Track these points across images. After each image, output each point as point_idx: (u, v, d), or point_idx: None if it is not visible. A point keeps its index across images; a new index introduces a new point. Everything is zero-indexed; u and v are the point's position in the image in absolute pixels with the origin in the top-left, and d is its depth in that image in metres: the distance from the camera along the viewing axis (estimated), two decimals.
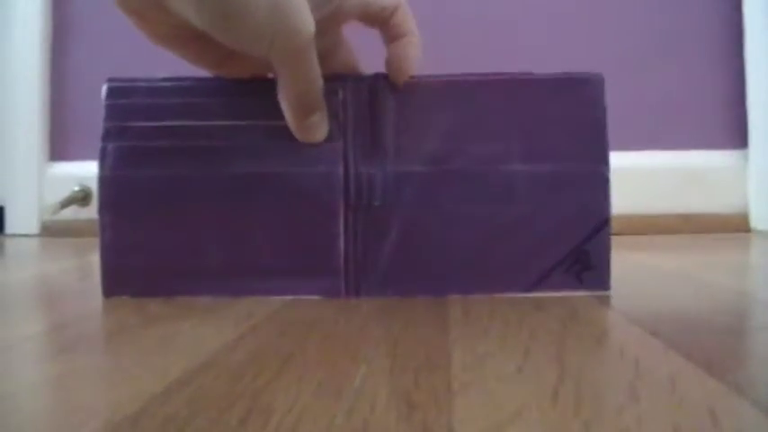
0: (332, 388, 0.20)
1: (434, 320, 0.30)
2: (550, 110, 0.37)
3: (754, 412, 0.17)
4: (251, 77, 0.37)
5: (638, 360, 0.23)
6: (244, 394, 0.19)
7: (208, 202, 0.36)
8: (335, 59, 0.38)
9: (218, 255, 0.36)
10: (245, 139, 0.36)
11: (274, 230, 0.36)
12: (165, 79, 0.37)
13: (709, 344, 0.25)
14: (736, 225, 0.93)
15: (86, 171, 0.99)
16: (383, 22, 0.36)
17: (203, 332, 0.28)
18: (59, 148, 1.07)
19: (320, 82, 0.34)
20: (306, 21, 0.31)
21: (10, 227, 1.06)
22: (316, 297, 0.36)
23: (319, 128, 0.36)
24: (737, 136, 0.95)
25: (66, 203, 1.01)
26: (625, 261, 0.35)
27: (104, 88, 0.38)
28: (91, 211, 1.00)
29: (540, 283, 0.36)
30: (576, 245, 0.36)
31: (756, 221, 0.92)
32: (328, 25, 0.34)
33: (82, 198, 1.02)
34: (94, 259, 0.53)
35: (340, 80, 0.37)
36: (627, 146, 0.89)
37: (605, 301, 0.34)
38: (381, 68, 0.37)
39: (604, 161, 0.36)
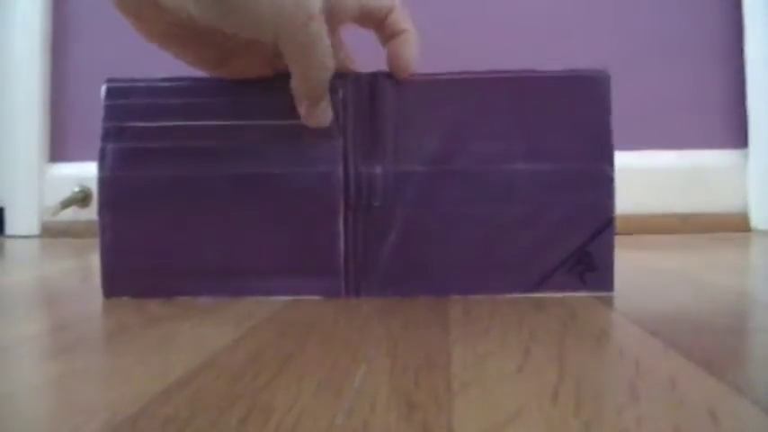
0: (332, 388, 0.20)
1: (434, 320, 0.30)
2: (554, 108, 0.36)
3: (754, 412, 0.17)
4: (250, 77, 0.37)
5: (638, 360, 0.23)
6: (244, 394, 0.19)
7: (208, 202, 0.36)
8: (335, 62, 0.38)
9: (218, 255, 0.36)
10: (245, 139, 0.36)
11: (274, 230, 0.36)
12: (164, 79, 0.37)
13: (709, 344, 0.25)
14: (736, 225, 0.93)
15: (86, 172, 0.99)
16: (379, 23, 0.36)
17: (203, 332, 0.28)
18: (59, 149, 1.07)
19: (331, 69, 0.34)
20: (309, 1, 0.31)
21: (10, 228, 1.06)
22: (316, 297, 0.36)
23: (326, 114, 0.36)
24: (738, 135, 0.95)
25: (67, 204, 1.01)
26: (625, 261, 0.35)
27: (103, 89, 0.38)
28: (91, 212, 1.00)
29: (542, 283, 0.36)
30: (578, 245, 0.36)
31: (756, 221, 0.92)
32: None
33: (82, 199, 1.02)
34: (94, 260, 0.53)
35: (340, 79, 0.37)
36: (627, 146, 0.89)
37: (605, 301, 0.34)
38: (381, 68, 0.37)
39: (609, 160, 0.36)
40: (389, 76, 0.37)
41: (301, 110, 0.35)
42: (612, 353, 0.24)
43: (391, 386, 0.20)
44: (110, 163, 0.37)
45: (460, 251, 0.36)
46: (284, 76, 0.36)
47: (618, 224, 0.37)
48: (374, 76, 0.37)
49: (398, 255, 0.36)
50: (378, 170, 0.36)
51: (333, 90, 0.36)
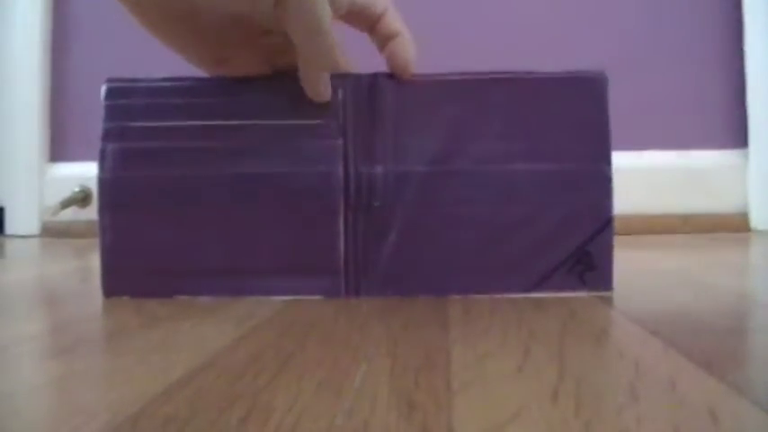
0: (332, 388, 0.20)
1: (434, 320, 0.30)
2: (553, 108, 0.36)
3: (755, 412, 0.17)
4: (250, 76, 0.37)
5: (638, 360, 0.23)
6: (244, 394, 0.19)
7: (208, 202, 0.36)
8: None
9: (218, 255, 0.36)
10: (246, 139, 0.36)
11: (274, 230, 0.36)
12: (164, 79, 0.37)
13: (709, 344, 0.25)
14: (736, 225, 0.93)
15: (86, 172, 0.99)
16: (371, 25, 0.36)
17: (203, 332, 0.28)
18: (59, 149, 1.07)
19: (332, 38, 0.33)
20: None
21: (10, 227, 1.06)
22: (316, 297, 0.36)
23: (328, 88, 0.36)
24: (738, 135, 0.95)
25: (67, 204, 1.01)
26: (625, 261, 0.35)
27: (104, 88, 0.38)
28: (91, 212, 1.00)
29: (541, 283, 0.36)
30: (578, 245, 0.36)
31: (756, 221, 0.92)
32: None
33: (82, 199, 1.02)
34: (94, 260, 0.53)
35: (340, 80, 0.37)
36: (627, 146, 0.89)
37: (605, 301, 0.34)
38: (380, 69, 0.37)
39: (607, 161, 0.36)
40: (389, 76, 0.37)
41: (306, 80, 0.35)
42: (612, 353, 0.24)
43: (391, 386, 0.20)
44: (110, 163, 0.37)
45: (460, 251, 0.36)
46: (284, 75, 0.36)
47: (618, 225, 0.37)
48: (374, 77, 0.37)
49: (398, 255, 0.36)
50: (378, 170, 0.36)
51: (333, 91, 0.36)
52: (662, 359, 0.23)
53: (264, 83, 0.37)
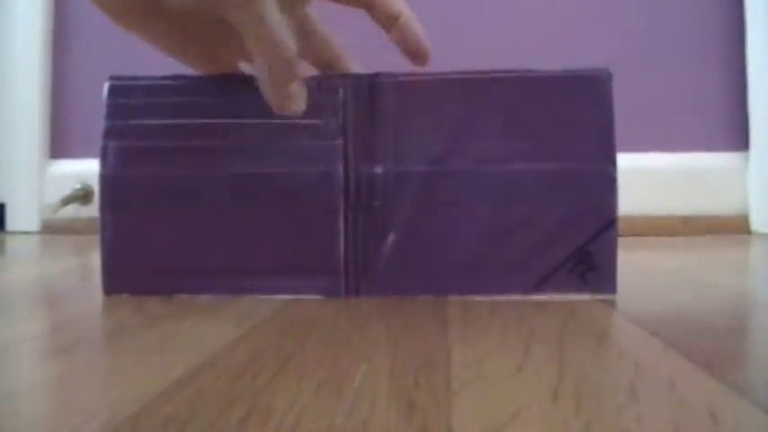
0: (332, 388, 0.20)
1: (434, 320, 0.30)
2: (555, 107, 0.36)
3: (755, 412, 0.17)
4: (251, 75, 0.37)
5: (638, 360, 0.23)
6: (244, 394, 0.19)
7: (209, 200, 0.36)
8: (308, 41, 0.36)
9: (219, 254, 0.36)
10: (247, 138, 0.36)
11: (274, 230, 0.36)
12: (166, 78, 0.37)
13: (709, 344, 0.25)
14: (736, 227, 0.93)
15: (87, 169, 0.99)
16: (369, 5, 0.35)
17: (203, 331, 0.28)
18: (60, 146, 1.07)
19: (292, 49, 0.31)
20: None
21: (11, 224, 1.06)
22: (316, 297, 0.36)
23: (296, 99, 0.33)
24: (739, 138, 0.95)
25: (67, 201, 1.01)
26: (625, 262, 0.35)
27: (105, 87, 0.38)
28: (92, 209, 1.00)
29: (542, 284, 0.36)
30: (579, 245, 0.35)
31: (757, 224, 0.92)
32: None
33: (83, 196, 1.02)
34: (95, 257, 0.53)
35: (340, 79, 0.37)
36: (628, 148, 0.89)
37: (605, 302, 0.34)
38: (381, 68, 0.37)
39: (611, 160, 0.36)
40: (389, 76, 0.37)
41: (266, 95, 0.33)
42: (612, 353, 0.24)
43: (391, 386, 0.20)
44: (111, 161, 0.37)
45: (460, 251, 0.36)
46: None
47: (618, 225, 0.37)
48: (374, 77, 0.37)
49: (398, 255, 0.36)
50: (378, 170, 0.36)
51: (333, 90, 0.36)
52: (662, 359, 0.23)
53: None
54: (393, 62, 0.38)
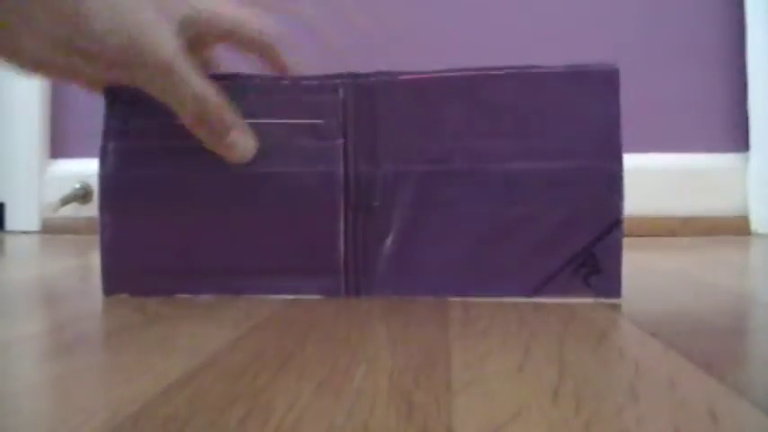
0: (332, 388, 0.20)
1: (434, 320, 0.30)
2: (559, 104, 0.35)
3: (755, 412, 0.17)
4: (251, 75, 0.37)
5: (638, 360, 0.23)
6: (244, 394, 0.19)
7: (208, 200, 0.36)
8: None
9: (218, 254, 0.36)
10: None
11: (274, 230, 0.36)
12: None
13: (709, 344, 0.25)
14: (736, 228, 0.93)
15: (87, 168, 0.99)
16: (260, 50, 0.37)
17: (203, 332, 0.28)
18: (60, 146, 1.07)
19: (217, 101, 0.33)
20: (163, 45, 0.31)
21: (10, 224, 1.06)
22: (316, 296, 0.36)
23: (238, 147, 0.35)
24: (738, 139, 0.95)
25: (67, 201, 1.01)
26: (625, 262, 0.35)
27: (105, 87, 0.37)
28: (91, 209, 1.00)
29: (545, 285, 0.35)
30: (583, 247, 0.35)
31: (757, 225, 0.92)
32: (196, 47, 0.34)
33: (82, 195, 1.02)
34: (95, 257, 0.53)
35: (340, 79, 0.37)
36: (627, 147, 0.89)
37: (605, 302, 0.34)
38: (380, 68, 0.37)
39: (617, 159, 0.35)
40: (390, 75, 0.36)
41: (210, 147, 0.35)
42: (612, 353, 0.24)
43: (391, 386, 0.20)
44: (111, 161, 0.37)
45: (460, 252, 0.36)
46: (284, 75, 0.36)
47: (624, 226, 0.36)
48: (374, 76, 0.37)
49: (398, 255, 0.36)
50: (378, 170, 0.36)
51: (333, 90, 0.36)
52: (662, 359, 0.23)
53: (266, 81, 0.37)
54: (393, 62, 0.38)
